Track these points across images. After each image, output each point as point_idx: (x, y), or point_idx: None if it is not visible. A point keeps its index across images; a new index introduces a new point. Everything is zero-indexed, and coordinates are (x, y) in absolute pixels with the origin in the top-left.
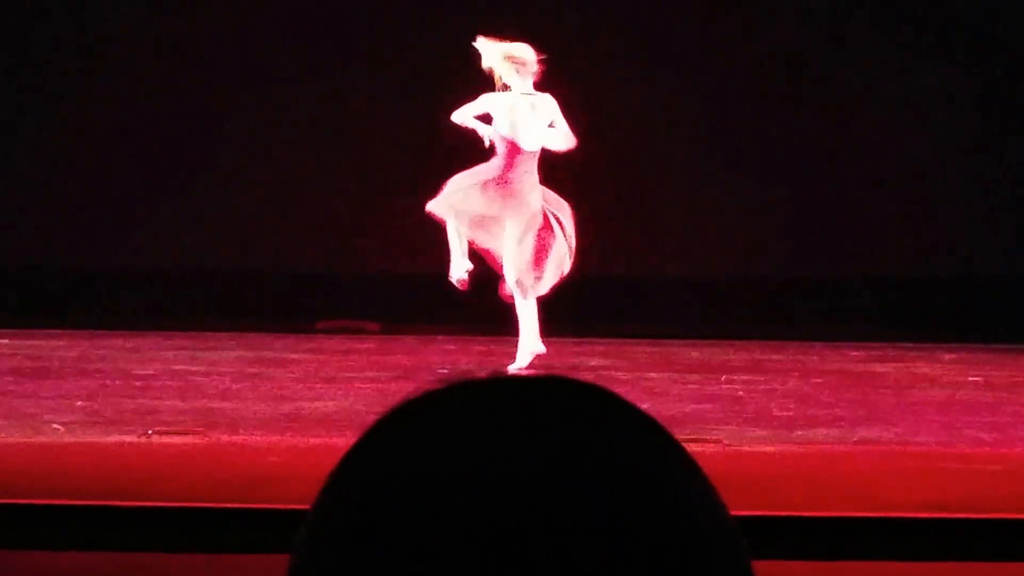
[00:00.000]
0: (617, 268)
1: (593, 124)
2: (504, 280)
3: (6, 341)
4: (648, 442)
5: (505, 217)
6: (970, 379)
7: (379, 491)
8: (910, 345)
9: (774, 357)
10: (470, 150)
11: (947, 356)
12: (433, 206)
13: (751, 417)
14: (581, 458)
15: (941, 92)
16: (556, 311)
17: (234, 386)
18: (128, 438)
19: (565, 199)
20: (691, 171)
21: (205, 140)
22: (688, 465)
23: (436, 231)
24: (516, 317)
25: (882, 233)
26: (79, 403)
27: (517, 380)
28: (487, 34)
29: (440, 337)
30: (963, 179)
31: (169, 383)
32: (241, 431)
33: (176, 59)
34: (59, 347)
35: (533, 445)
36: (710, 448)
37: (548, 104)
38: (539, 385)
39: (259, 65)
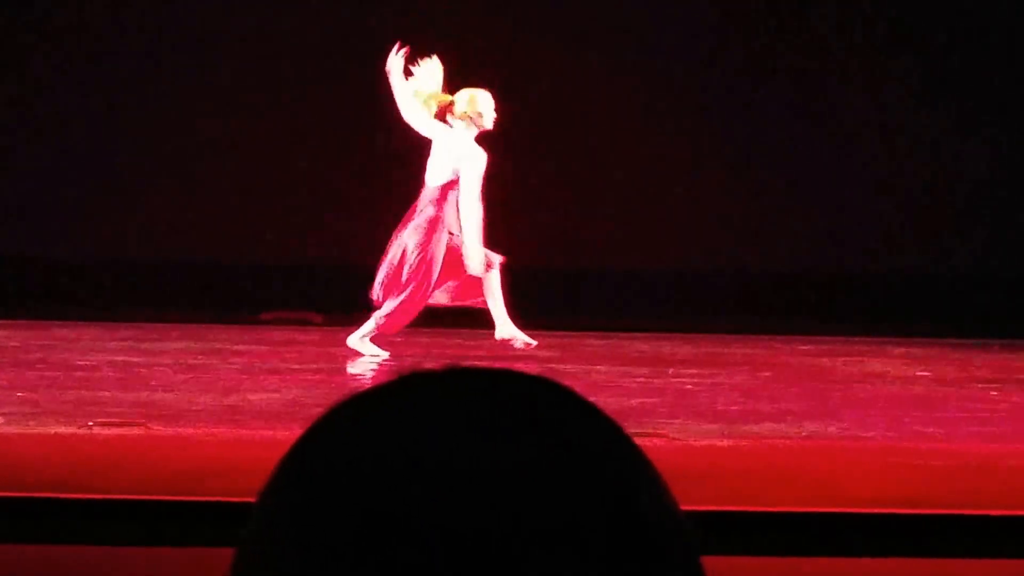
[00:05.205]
0: (565, 260)
1: (537, 121)
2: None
3: None
4: (597, 436)
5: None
6: (919, 374)
7: (327, 484)
8: (859, 339)
9: (723, 351)
10: (420, 142)
11: (896, 351)
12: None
13: (699, 411)
14: (531, 452)
15: (907, 96)
16: (505, 304)
17: (177, 377)
18: (69, 430)
19: (516, 191)
20: (640, 163)
21: (149, 133)
22: (638, 459)
23: (382, 222)
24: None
25: (832, 229)
26: (19, 394)
27: (468, 373)
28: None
29: None
30: (914, 178)
31: (111, 374)
32: (184, 423)
33: (123, 52)
34: None
35: (483, 438)
36: (656, 442)
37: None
38: (491, 378)
39: (207, 58)
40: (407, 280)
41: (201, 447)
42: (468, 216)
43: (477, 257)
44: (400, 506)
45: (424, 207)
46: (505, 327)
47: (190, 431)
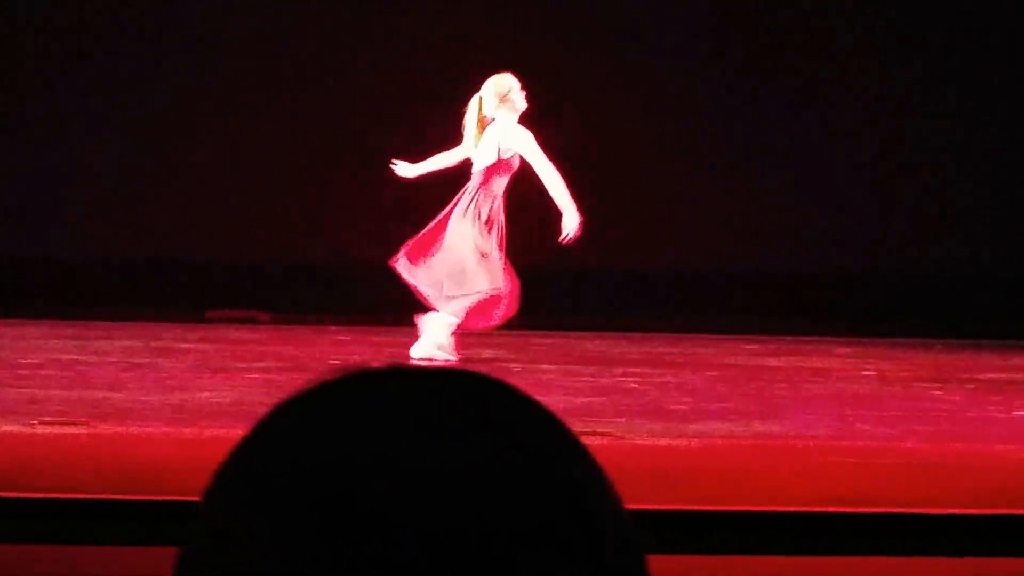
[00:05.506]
0: (514, 259)
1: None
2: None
3: None
4: (543, 435)
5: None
6: (863, 373)
7: (273, 482)
8: (804, 339)
9: (670, 350)
10: (373, 145)
11: (841, 350)
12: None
13: (645, 410)
14: (478, 451)
15: (858, 97)
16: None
17: (122, 376)
18: (12, 428)
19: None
20: (591, 163)
21: (96, 131)
22: (584, 458)
23: (328, 221)
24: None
25: (777, 228)
26: None
27: (415, 371)
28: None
29: (332, 327)
30: (861, 178)
31: (55, 372)
32: (129, 422)
33: (65, 54)
34: None
35: (430, 437)
36: (603, 441)
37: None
38: (437, 377)
39: (153, 56)
40: (468, 267)
41: (146, 446)
42: (553, 177)
43: (574, 212)
44: (345, 505)
45: (465, 192)
46: (430, 349)
47: (135, 430)
